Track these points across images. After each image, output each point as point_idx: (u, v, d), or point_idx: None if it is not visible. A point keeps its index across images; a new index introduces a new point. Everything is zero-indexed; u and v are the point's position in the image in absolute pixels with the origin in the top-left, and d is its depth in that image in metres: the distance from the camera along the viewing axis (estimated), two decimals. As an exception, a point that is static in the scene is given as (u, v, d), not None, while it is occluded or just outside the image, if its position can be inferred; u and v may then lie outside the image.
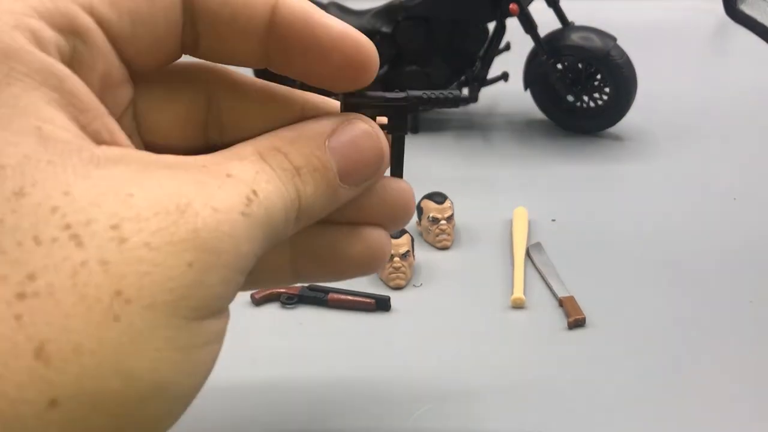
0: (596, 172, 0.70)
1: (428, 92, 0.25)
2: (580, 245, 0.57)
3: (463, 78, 0.80)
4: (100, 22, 0.20)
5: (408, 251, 0.52)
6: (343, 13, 0.79)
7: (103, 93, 0.20)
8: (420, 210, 0.58)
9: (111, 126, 0.19)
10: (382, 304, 0.49)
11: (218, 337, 0.19)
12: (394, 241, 0.51)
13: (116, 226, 0.16)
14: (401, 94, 0.25)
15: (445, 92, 0.25)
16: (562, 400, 0.41)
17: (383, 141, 0.23)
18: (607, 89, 0.77)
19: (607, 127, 0.79)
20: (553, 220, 0.60)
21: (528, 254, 0.55)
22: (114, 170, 0.17)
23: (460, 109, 0.85)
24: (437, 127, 0.81)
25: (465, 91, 0.81)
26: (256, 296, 0.49)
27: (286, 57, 0.22)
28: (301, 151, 0.21)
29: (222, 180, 0.19)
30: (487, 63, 0.80)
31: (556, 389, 0.41)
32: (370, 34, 0.77)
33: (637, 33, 0.89)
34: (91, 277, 0.16)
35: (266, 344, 0.45)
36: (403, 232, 0.52)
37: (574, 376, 0.43)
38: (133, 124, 0.23)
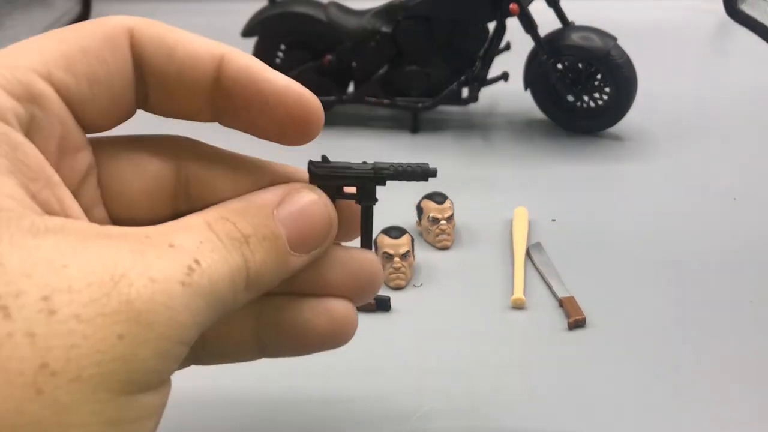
0: (596, 172, 0.70)
1: (396, 164, 0.25)
2: (580, 245, 0.57)
3: (463, 78, 0.79)
4: (58, 88, 0.20)
5: (408, 251, 0.52)
6: (343, 13, 0.79)
7: (60, 159, 0.20)
8: (420, 210, 0.58)
9: (61, 195, 0.19)
10: (382, 304, 0.49)
11: (154, 412, 0.18)
12: (394, 241, 0.51)
13: (47, 298, 0.16)
14: (368, 166, 0.25)
15: (413, 165, 0.25)
16: (562, 400, 0.41)
17: (331, 209, 0.24)
18: (607, 89, 0.77)
19: (608, 127, 0.79)
20: (553, 220, 0.60)
21: (528, 254, 0.55)
22: (51, 240, 0.17)
23: (460, 109, 0.84)
24: (437, 127, 0.81)
25: (465, 92, 0.81)
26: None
27: (232, 111, 0.23)
28: (250, 221, 0.21)
29: (163, 250, 0.18)
30: (487, 63, 0.80)
31: (556, 389, 0.42)
32: (370, 33, 0.77)
33: (637, 33, 0.89)
34: (16, 349, 0.16)
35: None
36: (403, 232, 0.52)
37: (574, 377, 0.43)
38: (97, 194, 0.22)
